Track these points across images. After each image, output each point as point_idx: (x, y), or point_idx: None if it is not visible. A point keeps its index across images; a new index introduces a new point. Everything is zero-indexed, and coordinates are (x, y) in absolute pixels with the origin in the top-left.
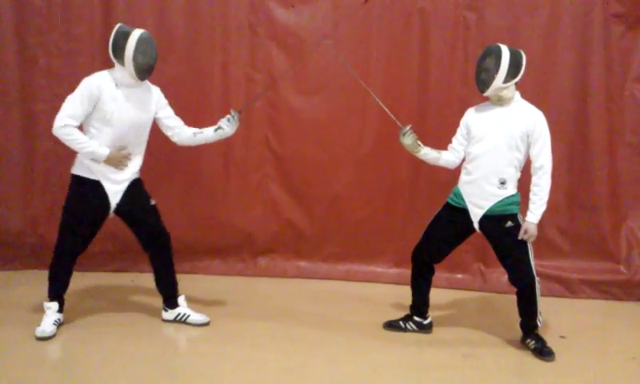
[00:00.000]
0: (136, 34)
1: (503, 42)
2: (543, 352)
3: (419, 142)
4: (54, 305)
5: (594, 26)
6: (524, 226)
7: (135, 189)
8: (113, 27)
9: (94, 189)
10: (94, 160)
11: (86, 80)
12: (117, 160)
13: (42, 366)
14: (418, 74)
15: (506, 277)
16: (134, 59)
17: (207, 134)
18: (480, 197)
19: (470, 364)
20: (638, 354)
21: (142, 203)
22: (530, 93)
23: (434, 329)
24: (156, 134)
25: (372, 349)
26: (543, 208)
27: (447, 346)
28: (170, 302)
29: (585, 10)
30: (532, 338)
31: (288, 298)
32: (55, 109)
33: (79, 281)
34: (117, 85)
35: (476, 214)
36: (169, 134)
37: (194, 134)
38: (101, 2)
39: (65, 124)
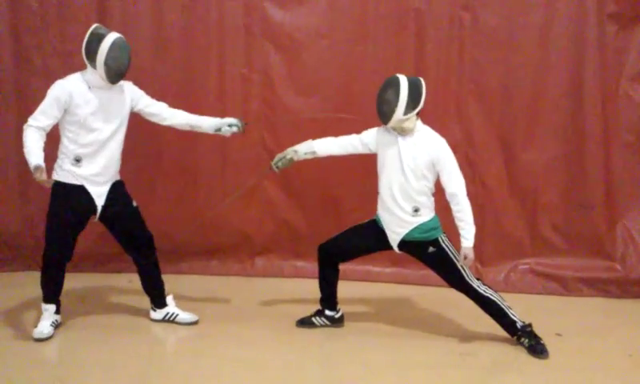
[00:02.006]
0: (109, 38)
1: (499, 42)
2: (537, 349)
3: (290, 156)
4: (52, 306)
5: (589, 26)
6: (462, 253)
7: (117, 191)
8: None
9: (79, 193)
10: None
11: (57, 83)
12: (35, 177)
13: (39, 367)
14: (413, 72)
15: (502, 275)
16: (106, 63)
17: (205, 130)
18: (396, 224)
19: (467, 363)
20: (634, 352)
21: (125, 205)
22: (525, 92)
23: (432, 327)
24: (152, 134)
25: (369, 348)
26: (474, 229)
27: (444, 345)
28: (158, 302)
29: (579, 9)
30: (525, 336)
31: (285, 297)
32: None
33: (76, 282)
34: (89, 87)
35: (394, 240)
36: (155, 120)
37: (191, 127)
38: (96, 1)
39: (28, 124)
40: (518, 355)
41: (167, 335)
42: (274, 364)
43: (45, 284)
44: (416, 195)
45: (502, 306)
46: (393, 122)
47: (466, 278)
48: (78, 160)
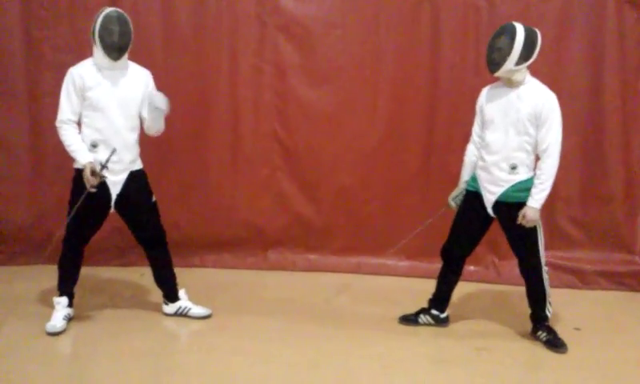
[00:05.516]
0: (103, 12)
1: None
2: (556, 344)
3: (459, 195)
4: (64, 300)
5: (608, 15)
6: (522, 210)
7: (136, 183)
8: None
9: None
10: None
11: (69, 71)
12: (86, 176)
13: (52, 360)
14: (428, 62)
15: (519, 269)
16: (101, 38)
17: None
18: (492, 182)
19: (483, 357)
20: None
21: (142, 199)
22: (542, 81)
23: None
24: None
25: (383, 342)
26: (545, 192)
27: (460, 339)
28: (170, 296)
29: None
30: (543, 329)
31: (298, 291)
32: None
33: (89, 275)
34: (98, 69)
35: (489, 200)
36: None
37: None
38: None
39: (59, 126)
40: (535, 350)
41: (180, 329)
42: (286, 358)
43: (61, 270)
44: (515, 151)
45: (547, 302)
46: (501, 72)
47: (540, 253)
48: (94, 146)
